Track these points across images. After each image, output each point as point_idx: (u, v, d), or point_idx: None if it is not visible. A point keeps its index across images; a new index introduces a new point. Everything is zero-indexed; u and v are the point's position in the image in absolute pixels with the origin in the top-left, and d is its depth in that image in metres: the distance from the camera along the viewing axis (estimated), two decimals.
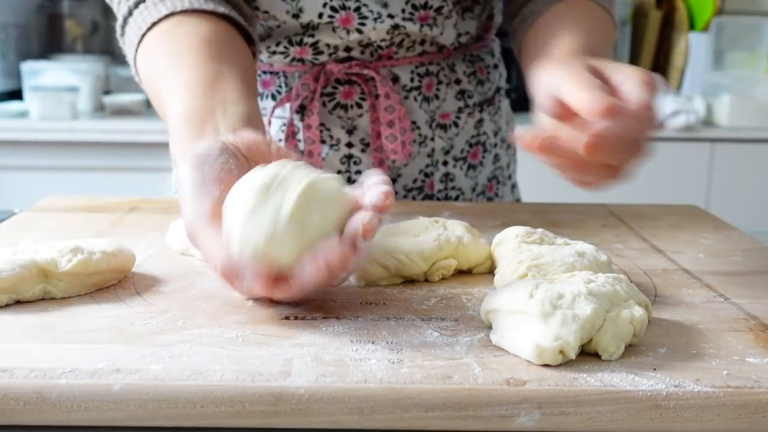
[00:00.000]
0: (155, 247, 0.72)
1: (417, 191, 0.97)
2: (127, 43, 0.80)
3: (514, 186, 1.09)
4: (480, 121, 1.00)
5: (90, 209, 0.88)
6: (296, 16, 0.88)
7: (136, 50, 0.77)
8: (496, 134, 1.03)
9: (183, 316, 0.55)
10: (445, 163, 0.98)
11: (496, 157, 1.03)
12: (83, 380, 0.44)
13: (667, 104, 2.22)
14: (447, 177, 0.98)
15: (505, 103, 1.06)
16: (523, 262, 0.62)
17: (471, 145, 0.99)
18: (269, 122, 0.95)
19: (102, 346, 0.50)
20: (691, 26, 2.49)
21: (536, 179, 1.35)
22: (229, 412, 0.44)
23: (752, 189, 2.26)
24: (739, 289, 0.63)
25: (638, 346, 0.51)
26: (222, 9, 0.76)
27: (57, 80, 2.25)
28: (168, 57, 0.72)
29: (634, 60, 2.51)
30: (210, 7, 0.76)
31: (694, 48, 2.45)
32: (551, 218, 0.87)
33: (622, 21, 2.42)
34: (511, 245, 0.65)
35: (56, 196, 0.95)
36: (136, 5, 0.78)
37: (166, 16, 0.75)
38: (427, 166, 0.97)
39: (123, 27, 0.80)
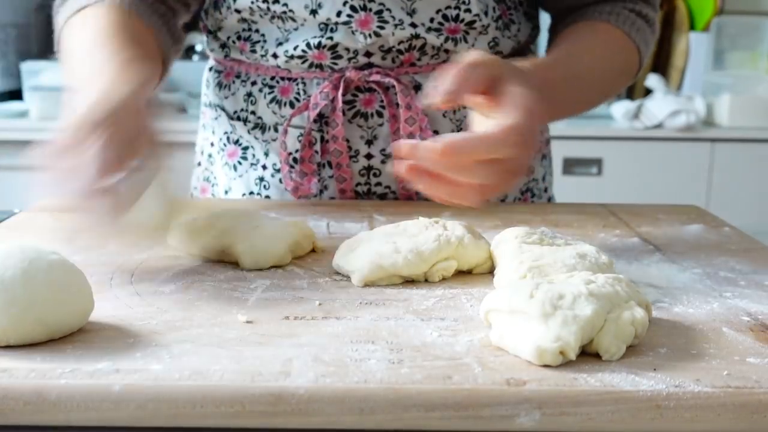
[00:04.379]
0: (155, 247, 0.72)
1: None
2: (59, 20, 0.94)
3: (550, 199, 1.05)
4: None
5: None
6: (314, 12, 0.87)
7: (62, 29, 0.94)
8: None
9: (183, 316, 0.55)
10: None
11: (530, 170, 0.99)
12: (83, 380, 0.44)
13: (667, 104, 2.22)
14: None
15: None
16: (523, 262, 0.61)
17: None
18: (285, 131, 0.92)
19: (102, 346, 0.50)
20: (692, 26, 2.50)
21: None
22: (229, 412, 0.44)
23: (752, 189, 2.26)
24: (740, 289, 0.63)
25: (638, 346, 0.51)
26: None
27: (57, 80, 2.24)
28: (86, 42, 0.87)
29: None
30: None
31: (694, 48, 2.45)
32: (551, 218, 0.87)
33: None
34: (511, 245, 0.65)
35: None
36: None
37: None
38: None
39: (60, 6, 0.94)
